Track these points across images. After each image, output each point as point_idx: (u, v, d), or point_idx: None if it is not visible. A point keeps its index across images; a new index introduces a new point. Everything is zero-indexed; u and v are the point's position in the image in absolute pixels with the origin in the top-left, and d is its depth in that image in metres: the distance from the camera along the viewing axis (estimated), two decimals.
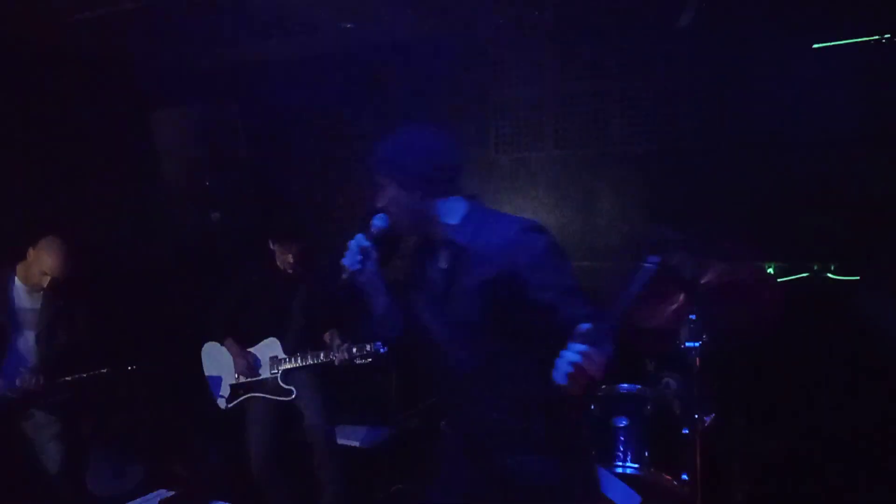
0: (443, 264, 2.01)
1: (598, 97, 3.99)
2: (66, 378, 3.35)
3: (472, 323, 1.93)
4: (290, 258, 3.66)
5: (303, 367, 3.68)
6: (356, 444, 4.03)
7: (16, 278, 3.42)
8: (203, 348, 3.81)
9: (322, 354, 3.64)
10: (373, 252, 2.03)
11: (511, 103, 4.22)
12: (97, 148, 4.29)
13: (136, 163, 4.50)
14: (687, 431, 2.79)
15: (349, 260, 2.00)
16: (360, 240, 2.02)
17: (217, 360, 3.77)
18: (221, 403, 3.73)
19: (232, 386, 3.71)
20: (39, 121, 4.05)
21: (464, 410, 2.06)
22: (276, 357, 3.70)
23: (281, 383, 3.68)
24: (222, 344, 3.75)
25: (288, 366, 3.68)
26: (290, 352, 3.70)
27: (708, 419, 2.84)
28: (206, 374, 3.77)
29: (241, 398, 3.71)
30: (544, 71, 4.12)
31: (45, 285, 3.37)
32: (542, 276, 1.83)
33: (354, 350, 3.54)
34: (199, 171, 4.78)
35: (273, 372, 3.69)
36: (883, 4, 3.25)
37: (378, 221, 2.05)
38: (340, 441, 3.89)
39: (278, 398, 3.68)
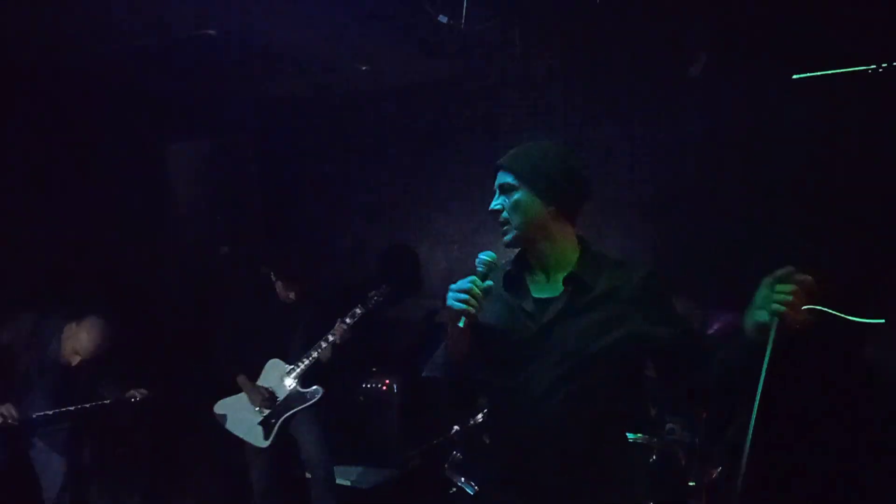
0: (557, 300, 1.81)
1: (605, 144, 4.04)
2: (69, 407, 3.32)
3: (583, 362, 1.76)
4: (292, 294, 3.66)
5: (305, 405, 3.65)
6: (356, 483, 3.98)
7: (54, 335, 3.33)
8: (216, 407, 3.70)
9: (323, 344, 3.59)
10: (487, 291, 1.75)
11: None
12: (109, 179, 4.30)
13: (147, 195, 4.51)
14: (693, 483, 2.75)
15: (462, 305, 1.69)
16: (477, 280, 1.73)
17: (236, 407, 3.68)
18: (262, 443, 3.61)
19: (261, 422, 3.62)
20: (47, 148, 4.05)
21: (548, 452, 1.79)
22: (285, 371, 3.65)
23: (300, 389, 3.64)
24: (233, 385, 3.67)
25: (299, 370, 3.63)
26: (294, 361, 3.66)
27: (715, 471, 2.80)
28: (231, 428, 3.66)
29: (277, 426, 3.62)
30: (551, 117, 4.18)
31: (73, 364, 3.32)
32: (663, 321, 1.80)
33: (348, 319, 3.56)
34: (210, 205, 4.83)
35: (290, 385, 3.64)
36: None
37: (484, 257, 1.79)
38: (340, 480, 3.83)
39: (310, 403, 3.63)
